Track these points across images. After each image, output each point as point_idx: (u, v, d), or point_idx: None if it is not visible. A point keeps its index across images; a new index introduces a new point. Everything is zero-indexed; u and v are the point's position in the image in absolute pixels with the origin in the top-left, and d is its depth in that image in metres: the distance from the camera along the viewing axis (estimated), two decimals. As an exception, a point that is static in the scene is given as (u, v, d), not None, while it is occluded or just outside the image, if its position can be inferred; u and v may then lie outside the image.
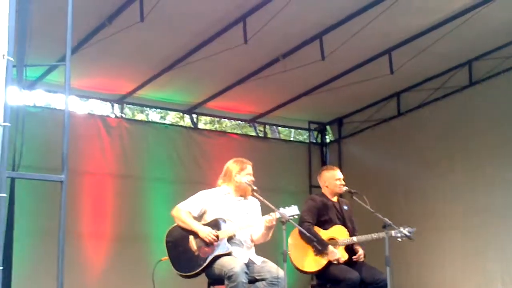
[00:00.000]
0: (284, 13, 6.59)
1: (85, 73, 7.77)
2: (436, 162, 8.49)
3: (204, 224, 5.27)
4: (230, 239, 5.21)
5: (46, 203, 7.25)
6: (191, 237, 5.22)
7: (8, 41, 3.25)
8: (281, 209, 5.06)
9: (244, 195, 5.45)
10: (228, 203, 5.39)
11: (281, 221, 5.03)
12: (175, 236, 5.29)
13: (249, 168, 5.46)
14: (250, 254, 5.28)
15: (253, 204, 5.49)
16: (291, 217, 5.07)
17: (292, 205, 5.14)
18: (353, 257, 5.86)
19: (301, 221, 5.88)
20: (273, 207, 5.09)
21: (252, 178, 5.41)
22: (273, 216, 5.12)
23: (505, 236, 7.65)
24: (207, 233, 5.15)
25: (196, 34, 7.18)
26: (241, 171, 5.42)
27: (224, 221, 5.26)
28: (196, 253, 5.18)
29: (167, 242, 5.29)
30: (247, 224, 5.27)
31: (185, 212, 5.30)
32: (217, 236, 5.16)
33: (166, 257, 5.27)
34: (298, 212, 5.16)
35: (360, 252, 5.90)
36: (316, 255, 5.87)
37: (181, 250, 5.23)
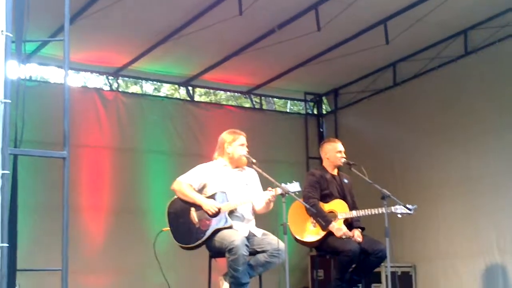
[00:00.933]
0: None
1: (79, 46, 7.66)
2: (431, 131, 8.51)
3: (205, 197, 5.29)
4: (231, 213, 5.24)
5: (46, 178, 7.27)
6: (192, 209, 5.25)
7: (6, 17, 3.23)
8: (283, 185, 5.07)
9: (239, 166, 5.45)
10: (226, 176, 5.41)
11: (281, 194, 5.07)
12: (176, 208, 5.31)
13: (241, 138, 5.45)
14: (250, 226, 5.32)
15: (251, 175, 5.51)
16: (293, 193, 5.09)
17: (294, 181, 5.16)
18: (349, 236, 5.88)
19: (306, 197, 5.91)
20: (273, 180, 5.11)
21: (245, 149, 5.41)
22: (274, 192, 5.13)
23: (498, 203, 7.71)
24: (210, 205, 5.17)
25: (191, 6, 7.12)
26: (232, 142, 5.43)
27: (225, 194, 5.27)
28: (197, 226, 5.21)
29: (168, 214, 5.32)
30: (248, 199, 5.29)
31: (186, 185, 5.31)
32: (219, 209, 5.19)
33: (167, 228, 5.30)
34: (299, 189, 5.18)
35: (356, 233, 5.93)
36: (315, 226, 5.92)
37: (182, 222, 5.26)
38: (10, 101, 3.10)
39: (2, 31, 3.17)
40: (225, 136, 5.50)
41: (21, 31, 3.59)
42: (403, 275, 8.35)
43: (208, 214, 5.18)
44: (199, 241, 5.20)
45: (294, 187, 5.12)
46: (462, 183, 8.13)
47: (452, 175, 8.27)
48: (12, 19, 3.28)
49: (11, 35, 3.18)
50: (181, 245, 5.27)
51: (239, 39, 8.03)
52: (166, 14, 7.27)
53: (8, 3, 3.24)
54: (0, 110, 3.05)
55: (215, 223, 5.19)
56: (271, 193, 5.15)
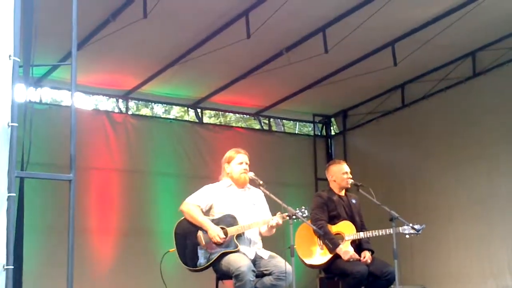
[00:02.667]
0: (286, 7, 6.61)
1: (90, 69, 7.81)
2: (440, 152, 8.50)
3: (213, 220, 5.27)
4: (238, 236, 5.22)
5: (54, 200, 7.30)
6: (200, 232, 5.23)
7: (14, 42, 3.27)
8: (290, 208, 5.06)
9: (244, 185, 5.43)
10: (232, 196, 5.37)
11: (288, 216, 5.05)
12: (183, 229, 5.28)
13: (239, 157, 5.39)
14: (257, 249, 5.30)
15: (258, 195, 5.48)
16: (301, 218, 5.08)
17: (303, 207, 5.15)
18: (360, 258, 5.85)
19: (313, 219, 5.89)
20: (280, 202, 5.09)
21: (245, 167, 5.36)
22: (281, 220, 5.14)
23: (510, 225, 7.65)
24: (215, 233, 5.14)
25: (199, 30, 7.20)
26: (231, 161, 5.40)
27: (234, 217, 5.26)
28: (203, 249, 5.19)
29: (175, 234, 5.30)
30: (256, 223, 5.26)
31: (194, 207, 5.28)
32: (226, 233, 5.17)
33: (174, 249, 5.29)
34: (307, 214, 5.18)
35: (367, 255, 5.89)
36: (322, 249, 5.89)
37: (189, 243, 5.23)
38: (17, 124, 3.13)
39: (10, 55, 3.21)
40: (225, 155, 5.50)
41: (29, 55, 3.63)
42: (414, 297, 8.30)
43: (212, 242, 5.17)
44: (206, 264, 5.18)
45: (303, 213, 5.12)
46: (473, 205, 8.09)
47: (463, 196, 8.23)
48: (20, 43, 3.32)
49: (18, 59, 3.22)
50: (187, 267, 5.25)
51: (247, 61, 8.09)
52: (175, 38, 7.35)
53: (16, 28, 3.29)
54: (7, 134, 3.08)
55: (222, 247, 5.17)
56: (277, 219, 5.13)
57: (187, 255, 5.22)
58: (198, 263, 5.19)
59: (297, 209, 5.13)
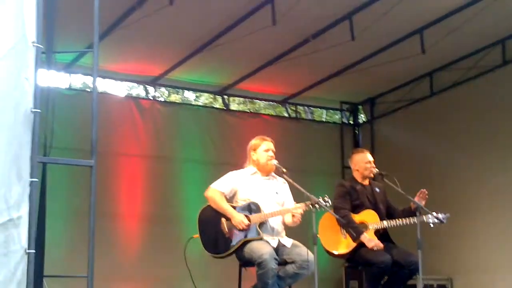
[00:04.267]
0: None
1: (119, 56, 7.89)
2: (468, 142, 8.39)
3: (237, 207, 5.28)
4: (261, 224, 5.23)
5: (80, 184, 7.38)
6: (223, 219, 5.25)
7: (36, 28, 3.31)
8: (313, 196, 5.05)
9: (269, 173, 5.44)
10: (256, 183, 5.39)
11: (311, 204, 5.05)
12: (207, 216, 5.31)
13: (264, 144, 5.40)
14: (280, 238, 5.31)
15: (282, 184, 5.48)
16: (324, 206, 5.08)
17: (326, 196, 5.14)
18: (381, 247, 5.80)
19: (336, 208, 5.87)
20: (303, 190, 5.08)
21: (271, 154, 5.37)
22: (303, 208, 5.13)
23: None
24: (239, 220, 5.15)
25: (225, 16, 7.20)
26: (257, 149, 5.42)
27: (257, 205, 5.27)
28: (227, 235, 5.21)
29: (199, 221, 5.33)
30: (279, 211, 5.27)
31: (219, 194, 5.30)
32: (249, 220, 5.19)
33: (197, 235, 5.32)
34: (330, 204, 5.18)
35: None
36: (346, 238, 5.87)
37: (212, 231, 5.25)
38: (39, 110, 3.17)
39: (33, 42, 3.25)
40: (251, 143, 5.51)
41: (52, 42, 3.67)
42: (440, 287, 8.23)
43: (236, 228, 5.18)
44: (228, 252, 5.20)
45: (327, 202, 5.12)
46: (501, 195, 7.99)
47: (491, 186, 8.12)
48: (43, 30, 3.36)
49: (41, 46, 3.26)
50: (210, 253, 5.28)
51: (273, 48, 8.06)
52: (201, 24, 7.36)
53: (39, 15, 3.32)
54: (29, 119, 3.12)
55: (245, 234, 5.19)
56: (300, 208, 5.13)
57: (210, 242, 5.26)
58: (220, 249, 5.22)
59: (320, 197, 5.12)
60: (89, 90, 9.64)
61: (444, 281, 8.36)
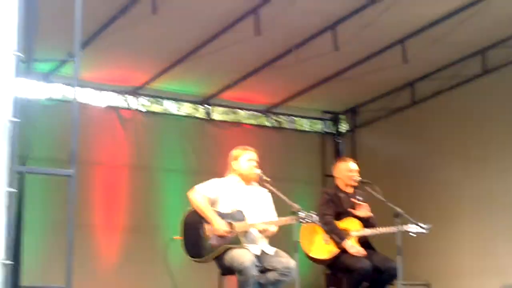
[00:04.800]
0: (296, 4, 6.60)
1: (100, 65, 7.84)
2: (448, 151, 8.47)
3: (222, 214, 5.26)
4: (244, 233, 5.22)
5: (59, 195, 7.31)
6: (206, 224, 5.24)
7: (17, 37, 3.28)
8: (295, 205, 5.05)
9: (250, 183, 5.44)
10: (240, 192, 5.40)
11: (292, 211, 5.04)
12: (191, 219, 5.28)
13: (248, 154, 5.43)
14: (262, 246, 5.30)
15: (264, 194, 5.49)
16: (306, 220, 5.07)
17: (312, 212, 5.14)
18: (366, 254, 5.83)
19: (320, 214, 5.88)
20: (285, 199, 5.09)
21: (254, 164, 5.38)
22: (288, 222, 5.13)
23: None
24: (219, 227, 5.14)
25: (209, 26, 7.20)
26: (239, 158, 5.43)
27: (242, 214, 5.26)
28: (209, 241, 5.20)
29: (183, 223, 5.30)
30: (264, 223, 5.26)
31: (202, 197, 5.28)
32: (233, 228, 5.17)
33: (179, 237, 5.30)
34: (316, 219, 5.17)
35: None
36: (328, 244, 5.89)
37: (195, 234, 5.23)
38: (18, 120, 3.14)
39: (12, 51, 3.22)
40: (233, 152, 5.52)
41: (32, 51, 3.64)
42: (417, 293, 8.27)
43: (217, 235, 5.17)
44: (208, 256, 5.19)
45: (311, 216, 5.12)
46: (480, 202, 8.09)
47: (470, 193, 8.23)
48: (23, 39, 3.33)
49: (21, 54, 3.23)
50: (190, 256, 5.26)
51: (256, 58, 8.08)
52: (184, 34, 7.35)
53: (20, 24, 3.29)
54: (8, 129, 3.08)
55: (227, 241, 5.17)
56: (286, 221, 5.13)
57: (192, 246, 5.24)
58: (200, 254, 5.20)
59: (306, 212, 5.12)
60: (68, 100, 9.56)
61: (422, 287, 8.38)
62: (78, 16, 3.49)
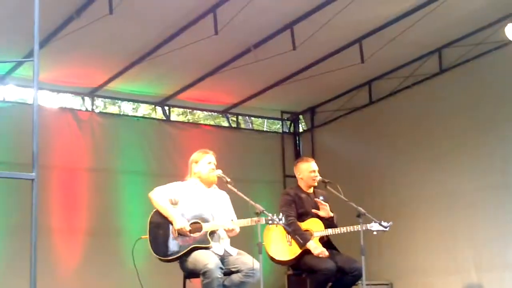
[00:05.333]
0: (254, 3, 6.59)
1: (55, 67, 7.69)
2: (407, 148, 8.57)
3: (190, 215, 5.23)
4: (211, 233, 5.21)
5: (16, 199, 7.18)
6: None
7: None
8: (258, 205, 5.04)
9: (211, 185, 5.46)
10: (200, 194, 5.40)
11: (256, 213, 5.04)
12: (158, 218, 5.24)
13: (207, 157, 5.46)
14: (225, 245, 5.29)
15: (223, 195, 5.53)
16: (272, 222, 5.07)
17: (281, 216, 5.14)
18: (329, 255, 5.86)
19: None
20: (247, 199, 5.09)
21: (213, 167, 5.41)
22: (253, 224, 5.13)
23: (475, 221, 7.75)
24: (181, 225, 5.13)
25: (166, 26, 7.13)
26: (199, 161, 5.44)
27: (210, 214, 5.24)
28: (175, 241, 5.17)
29: (150, 222, 5.25)
30: (232, 223, 5.25)
31: (164, 196, 5.26)
32: (200, 228, 5.16)
33: (146, 236, 5.25)
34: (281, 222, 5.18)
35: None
36: (291, 245, 5.90)
37: (162, 233, 5.20)
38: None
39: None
40: (193, 155, 5.55)
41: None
42: (380, 293, 8.35)
43: (178, 233, 5.14)
44: (175, 256, 5.16)
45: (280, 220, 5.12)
46: (439, 200, 8.17)
47: (429, 191, 8.30)
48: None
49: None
50: (156, 256, 5.22)
51: (215, 58, 8.04)
52: (141, 34, 7.28)
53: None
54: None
55: (194, 241, 5.15)
56: (250, 222, 5.13)
57: (159, 244, 5.20)
58: (168, 253, 5.16)
59: (274, 214, 5.12)
60: (22, 102, 9.39)
61: (385, 286, 8.47)
62: (36, 14, 3.39)
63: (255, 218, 5.05)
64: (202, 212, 5.26)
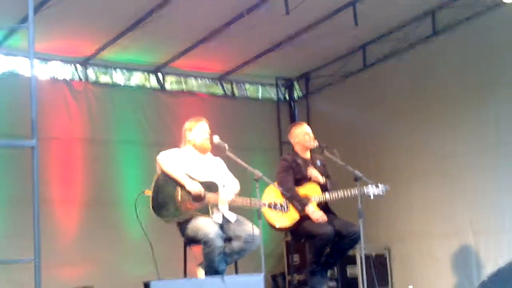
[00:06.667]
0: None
1: (46, 35, 7.55)
2: (403, 113, 8.53)
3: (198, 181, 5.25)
4: (214, 204, 5.24)
5: (16, 170, 7.16)
6: (178, 188, 5.22)
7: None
8: (256, 171, 5.06)
9: (204, 152, 5.49)
10: (196, 161, 5.44)
11: (254, 179, 5.06)
12: (165, 179, 5.28)
13: (200, 125, 5.51)
14: (224, 211, 5.31)
15: (218, 161, 5.58)
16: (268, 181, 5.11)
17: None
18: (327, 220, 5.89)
19: (280, 182, 5.92)
20: (246, 165, 5.13)
21: (206, 135, 5.45)
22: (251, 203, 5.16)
23: (471, 183, 7.76)
24: (194, 187, 5.14)
25: (158, -8, 7.05)
26: (193, 129, 5.50)
27: (217, 186, 5.29)
28: (178, 204, 5.18)
29: (156, 180, 5.29)
30: (235, 200, 5.28)
31: (172, 161, 5.29)
32: (205, 196, 5.18)
33: (149, 191, 5.26)
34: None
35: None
36: (289, 211, 5.91)
37: (166, 194, 5.24)
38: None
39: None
40: (186, 124, 5.59)
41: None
42: (378, 257, 8.40)
43: (190, 195, 5.15)
44: (177, 220, 5.19)
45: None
46: (436, 164, 8.16)
47: (425, 155, 8.29)
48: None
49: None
50: (157, 215, 5.23)
51: (207, 24, 7.95)
52: (132, 1, 7.18)
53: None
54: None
55: (195, 209, 5.16)
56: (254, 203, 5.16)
57: (160, 204, 5.22)
58: (167, 215, 5.18)
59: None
60: (16, 73, 9.28)
61: (383, 250, 8.54)
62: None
63: (256, 200, 5.07)
64: (212, 182, 5.26)
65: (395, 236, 8.58)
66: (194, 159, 5.44)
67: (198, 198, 5.16)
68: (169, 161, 5.28)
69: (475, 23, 7.79)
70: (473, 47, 7.83)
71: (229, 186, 5.37)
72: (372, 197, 5.94)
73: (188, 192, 5.16)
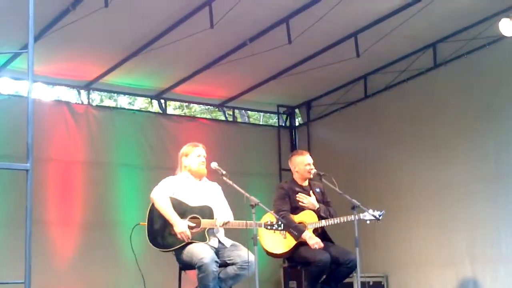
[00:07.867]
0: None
1: (51, 59, 7.70)
2: (402, 142, 8.60)
3: (191, 207, 5.28)
4: (209, 229, 5.25)
5: (11, 191, 7.20)
6: None
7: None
8: (252, 197, 5.08)
9: (200, 178, 5.51)
10: (192, 187, 5.45)
11: (250, 205, 5.07)
12: (157, 210, 5.29)
13: (196, 150, 5.52)
14: (220, 237, 5.32)
15: (214, 187, 5.58)
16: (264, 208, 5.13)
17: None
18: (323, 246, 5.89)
19: (276, 210, 5.92)
20: (243, 191, 5.12)
21: (202, 160, 5.47)
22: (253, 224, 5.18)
23: (469, 212, 7.79)
24: (181, 230, 5.15)
25: (162, 19, 7.14)
26: (189, 154, 5.51)
27: (211, 210, 5.29)
28: (173, 233, 5.19)
29: (150, 211, 5.31)
30: (231, 223, 5.29)
31: (165, 196, 5.30)
32: (199, 224, 5.20)
33: (144, 223, 5.29)
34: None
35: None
36: (285, 238, 5.92)
37: (160, 224, 5.25)
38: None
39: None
40: (183, 149, 5.61)
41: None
42: (375, 285, 8.39)
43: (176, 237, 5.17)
44: (171, 249, 5.21)
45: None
46: (433, 192, 8.21)
47: (424, 184, 8.34)
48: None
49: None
50: (152, 244, 5.25)
51: (211, 52, 8.04)
52: (137, 27, 7.28)
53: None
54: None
55: (191, 237, 5.18)
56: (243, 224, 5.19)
57: (155, 234, 5.24)
58: (164, 244, 5.20)
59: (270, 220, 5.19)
60: (18, 95, 9.38)
61: (380, 278, 8.52)
62: (31, 6, 3.42)
63: (252, 222, 5.09)
64: (207, 207, 5.29)
65: (393, 263, 8.58)
66: (189, 184, 5.46)
67: (192, 227, 5.18)
68: (162, 198, 5.28)
69: (475, 56, 7.87)
70: (473, 79, 7.91)
71: (222, 216, 5.36)
72: (368, 222, 5.93)
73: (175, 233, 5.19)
